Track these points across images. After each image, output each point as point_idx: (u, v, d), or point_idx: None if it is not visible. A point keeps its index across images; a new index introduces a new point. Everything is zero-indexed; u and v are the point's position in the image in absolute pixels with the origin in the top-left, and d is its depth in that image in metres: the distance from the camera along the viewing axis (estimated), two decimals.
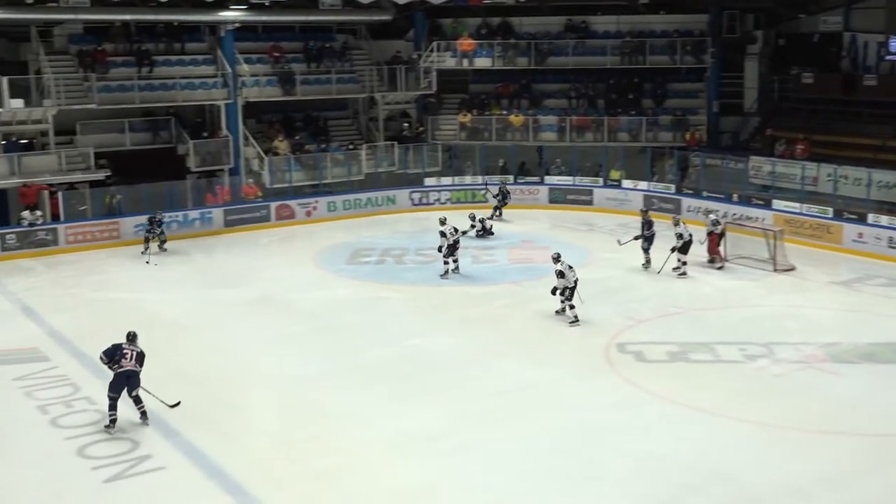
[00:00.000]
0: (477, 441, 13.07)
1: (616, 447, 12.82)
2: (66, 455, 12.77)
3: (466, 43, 33.58)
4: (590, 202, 30.77)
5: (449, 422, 13.74)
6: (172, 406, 14.19)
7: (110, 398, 13.46)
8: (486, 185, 30.94)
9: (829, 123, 29.70)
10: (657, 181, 30.14)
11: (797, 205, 26.14)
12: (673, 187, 29.59)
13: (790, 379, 15.44)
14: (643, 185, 30.01)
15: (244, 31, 31.01)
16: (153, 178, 27.28)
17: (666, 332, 17.93)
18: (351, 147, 31.74)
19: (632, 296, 20.47)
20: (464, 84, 35.14)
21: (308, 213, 29.37)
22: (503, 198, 29.67)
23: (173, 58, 29.92)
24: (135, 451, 12.80)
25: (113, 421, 13.47)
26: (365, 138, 33.12)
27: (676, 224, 21.96)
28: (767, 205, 26.71)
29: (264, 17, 31.08)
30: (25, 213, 25.01)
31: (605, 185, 30.82)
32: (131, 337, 14.01)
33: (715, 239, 22.83)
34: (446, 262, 22.05)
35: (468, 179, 31.97)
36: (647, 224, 22.66)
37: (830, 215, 25.31)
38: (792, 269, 22.60)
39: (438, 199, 31.33)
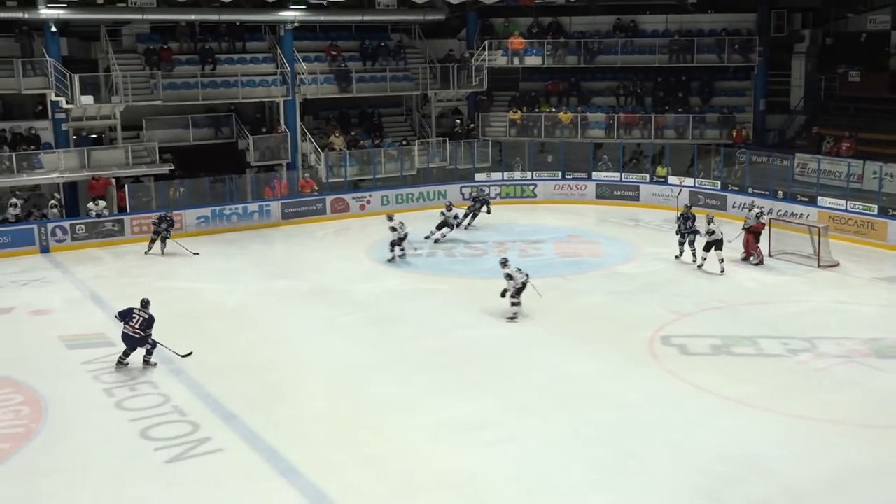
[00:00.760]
0: (522, 432, 13.05)
1: (659, 439, 12.70)
2: (130, 436, 13.00)
3: (517, 42, 33.46)
4: (636, 198, 30.49)
5: (494, 412, 13.72)
6: (184, 356, 15.50)
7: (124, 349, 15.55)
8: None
9: (876, 122, 29.11)
10: (703, 178, 29.75)
11: (842, 202, 25.64)
12: (718, 184, 29.21)
13: (832, 373, 15.18)
14: (689, 181, 29.66)
15: (303, 31, 31.22)
16: (215, 171, 27.65)
17: (709, 326, 17.72)
18: (404, 143, 31.82)
19: (676, 290, 20.27)
20: (514, 82, 35.03)
21: (362, 207, 29.51)
22: (480, 205, 27.30)
23: (235, 56, 30.26)
24: (194, 434, 12.99)
25: (121, 362, 15.56)
26: (417, 134, 33.18)
27: (710, 222, 21.56)
28: (812, 201, 26.24)
29: (322, 17, 31.22)
30: (91, 205, 25.47)
31: (652, 181, 30.52)
32: (144, 303, 15.74)
33: (751, 236, 22.39)
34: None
35: (517, 175, 31.86)
36: (689, 218, 22.37)
37: (875, 212, 24.79)
38: (836, 265, 22.20)
39: (488, 194, 31.19)
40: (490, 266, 22.56)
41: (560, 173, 31.51)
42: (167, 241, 24.10)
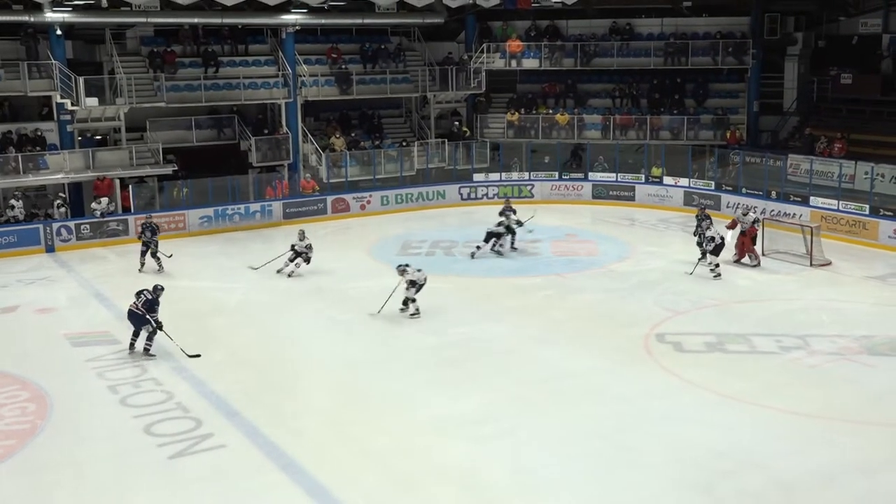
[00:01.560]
0: (519, 426, 13.07)
1: (654, 434, 12.73)
2: (134, 432, 13.00)
3: (515, 45, 33.49)
4: (632, 198, 30.50)
5: (493, 407, 13.75)
6: (192, 356, 15.59)
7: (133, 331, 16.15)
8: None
9: (867, 123, 29.18)
10: (697, 178, 29.78)
11: (834, 202, 25.66)
12: (713, 184, 29.23)
13: (824, 370, 15.20)
14: (683, 181, 29.68)
15: (304, 34, 31.25)
16: (217, 172, 27.64)
17: (703, 324, 17.74)
18: (403, 144, 31.84)
19: (670, 288, 20.28)
20: (512, 84, 35.06)
21: (362, 207, 29.52)
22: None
23: (237, 59, 30.28)
24: (197, 430, 13.00)
25: (133, 345, 16.12)
26: (417, 136, 33.20)
27: (708, 227, 21.41)
28: (805, 201, 26.26)
29: (323, 20, 31.25)
30: (94, 204, 25.45)
31: (647, 182, 30.53)
32: (155, 288, 16.32)
33: (747, 239, 22.31)
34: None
35: (515, 175, 31.88)
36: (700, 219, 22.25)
37: (867, 212, 24.81)
38: (828, 264, 22.21)
39: (486, 195, 31.28)
40: (488, 265, 22.66)
41: (557, 174, 31.53)
42: (156, 253, 22.07)
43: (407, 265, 18.43)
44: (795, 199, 26.62)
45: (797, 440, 12.51)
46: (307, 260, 21.53)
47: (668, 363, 15.54)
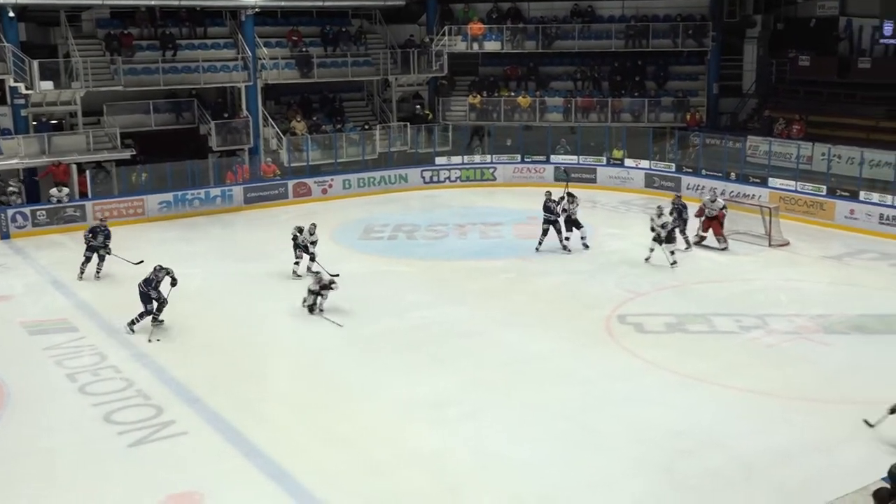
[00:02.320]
0: (483, 409, 13.12)
1: (615, 415, 12.84)
2: (94, 421, 12.86)
3: (476, 27, 33.37)
4: (593, 180, 30.64)
5: (456, 390, 13.78)
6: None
7: None
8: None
9: (825, 105, 29.50)
10: (658, 160, 29.98)
11: (792, 182, 25.99)
12: (673, 166, 29.44)
13: (782, 349, 15.41)
14: (644, 163, 29.87)
15: (263, 16, 30.87)
16: (176, 157, 27.32)
17: (664, 305, 17.91)
18: (365, 127, 31.68)
19: (632, 270, 20.41)
20: (474, 67, 34.97)
21: (324, 191, 29.35)
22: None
23: (196, 42, 29.85)
24: (159, 417, 12.89)
25: (156, 319, 16.52)
26: (379, 119, 33.04)
27: (660, 215, 20.76)
28: (763, 182, 26.56)
29: (283, 3, 30.93)
30: (54, 191, 25.05)
31: (609, 164, 30.67)
32: (159, 268, 16.72)
33: (716, 223, 22.33)
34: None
35: (477, 158, 31.87)
36: (680, 209, 22.25)
37: (824, 193, 25.17)
38: (786, 244, 22.50)
39: (448, 178, 31.25)
40: (451, 248, 22.68)
41: (519, 157, 31.57)
42: (105, 258, 19.97)
43: (318, 275, 17.77)
44: (754, 180, 26.91)
45: (756, 419, 12.68)
46: (310, 255, 20.02)
47: (630, 344, 15.67)
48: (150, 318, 16.43)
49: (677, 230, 21.48)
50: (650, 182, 29.27)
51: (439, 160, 31.54)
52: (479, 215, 26.23)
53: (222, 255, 22.00)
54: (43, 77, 25.50)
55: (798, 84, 30.90)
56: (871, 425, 11.97)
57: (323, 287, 17.46)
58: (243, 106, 29.84)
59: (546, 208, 21.84)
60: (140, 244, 22.63)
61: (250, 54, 29.47)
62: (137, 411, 13.11)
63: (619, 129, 31.26)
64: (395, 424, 12.69)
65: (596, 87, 33.43)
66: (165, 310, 16.52)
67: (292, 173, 29.45)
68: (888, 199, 23.77)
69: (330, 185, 29.50)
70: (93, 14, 28.67)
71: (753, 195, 25.75)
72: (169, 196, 26.50)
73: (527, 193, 29.51)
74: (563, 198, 22.25)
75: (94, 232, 20.00)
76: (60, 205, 24.90)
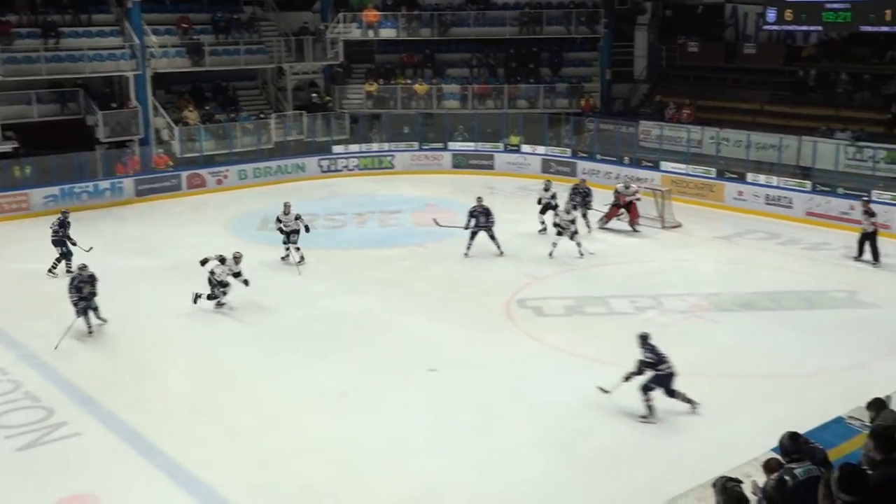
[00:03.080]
0: (386, 397, 13.16)
1: (515, 398, 13.04)
2: None
3: (371, 14, 33.23)
4: (491, 167, 30.93)
5: (359, 379, 13.79)
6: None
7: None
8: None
9: (713, 89, 30.45)
10: (554, 145, 30.45)
11: (683, 166, 26.78)
12: (569, 151, 29.95)
13: (676, 328, 15.88)
14: (541, 149, 30.29)
15: (151, 3, 30.08)
16: (62, 149, 26.37)
17: (563, 288, 18.25)
18: (261, 116, 31.23)
19: (530, 255, 20.73)
20: (370, 54, 34.85)
21: (219, 182, 28.85)
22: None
23: (80, 29, 28.81)
24: (49, 419, 12.49)
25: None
26: (274, 108, 32.60)
27: (567, 211, 20.58)
28: (656, 166, 27.27)
29: None
30: None
31: (506, 150, 30.99)
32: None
33: (634, 208, 22.80)
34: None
35: (375, 147, 31.79)
36: (585, 193, 22.62)
37: (713, 175, 26.02)
38: (678, 226, 23.19)
39: (346, 166, 31.12)
40: (350, 237, 22.60)
41: (417, 144, 31.62)
42: (70, 255, 19.47)
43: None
44: (647, 164, 27.63)
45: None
46: (306, 229, 19.89)
47: (530, 328, 15.92)
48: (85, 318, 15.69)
49: (580, 214, 21.87)
50: (547, 167, 29.74)
51: (337, 149, 31.35)
52: (377, 204, 26.21)
53: (114, 250, 21.38)
54: None
55: (687, 69, 31.81)
56: (605, 391, 12.51)
57: (235, 275, 17.11)
58: (132, 95, 29.01)
59: (472, 213, 20.51)
60: (23, 242, 21.85)
61: (138, 42, 28.67)
62: (26, 414, 12.68)
63: (516, 116, 31.64)
64: (298, 414, 12.61)
65: (492, 73, 33.72)
66: (58, 306, 15.99)
67: (185, 164, 28.84)
68: (773, 180, 24.73)
69: (225, 176, 29.03)
70: None
71: (647, 179, 26.42)
72: (55, 190, 25.68)
73: (425, 181, 29.67)
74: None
75: (62, 226, 19.69)
76: None
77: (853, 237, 20.99)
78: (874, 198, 21.80)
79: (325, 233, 23.21)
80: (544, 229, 22.28)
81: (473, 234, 20.53)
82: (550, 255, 20.37)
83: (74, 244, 19.59)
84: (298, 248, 20.02)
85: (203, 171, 28.67)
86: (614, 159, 28.32)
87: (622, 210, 22.89)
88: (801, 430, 7.69)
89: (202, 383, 13.84)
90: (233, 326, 16.28)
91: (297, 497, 10.60)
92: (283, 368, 14.26)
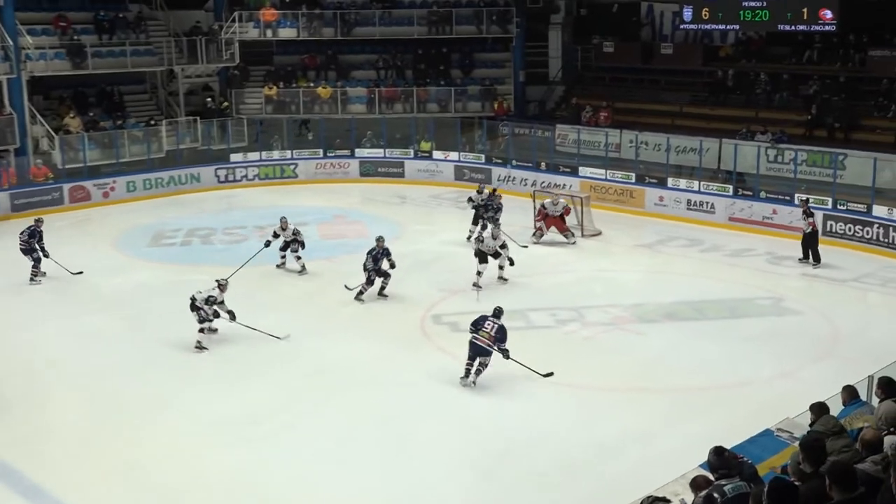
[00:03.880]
0: (296, 421, 13.05)
1: (434, 418, 13.05)
2: None
3: (269, 13, 32.96)
4: (401, 174, 30.96)
5: (266, 404, 13.59)
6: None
7: None
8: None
9: (630, 91, 31.09)
10: (467, 151, 30.65)
11: (602, 171, 27.23)
12: (483, 157, 30.18)
13: (599, 341, 16.14)
14: (454, 155, 30.46)
15: (25, 1, 29.25)
16: None
17: (479, 302, 18.27)
18: (151, 123, 30.63)
19: (445, 267, 20.80)
20: (268, 56, 34.58)
21: (105, 195, 28.17)
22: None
23: None
24: None
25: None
26: (165, 113, 32.03)
27: (494, 232, 19.91)
28: (574, 172, 27.66)
29: None
30: None
31: (416, 157, 31.06)
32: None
33: (559, 220, 22.79)
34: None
35: (276, 154, 31.51)
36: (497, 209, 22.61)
37: (633, 180, 26.52)
38: (599, 234, 23.56)
39: (246, 176, 30.75)
40: (251, 252, 22.24)
41: (321, 151, 31.46)
42: (41, 261, 19.86)
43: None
44: (565, 169, 28.00)
45: (577, 414, 13.20)
46: (301, 245, 20.32)
47: (446, 344, 15.93)
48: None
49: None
50: (460, 175, 29.92)
51: (235, 157, 30.95)
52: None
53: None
54: None
55: (603, 70, 32.43)
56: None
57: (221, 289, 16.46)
58: (6, 101, 28.13)
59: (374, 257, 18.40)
60: None
61: (11, 43, 27.79)
62: None
63: (426, 121, 31.75)
64: (198, 446, 12.35)
65: (400, 75, 33.79)
66: None
67: (67, 176, 28.09)
68: (694, 184, 25.36)
69: (112, 188, 28.37)
70: None
71: (564, 185, 26.77)
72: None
73: (331, 191, 29.52)
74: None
75: (31, 233, 20.03)
76: None
77: (776, 242, 21.69)
78: (796, 201, 22.51)
79: (223, 248, 22.90)
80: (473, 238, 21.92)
81: (372, 282, 18.63)
82: (475, 285, 19.05)
83: (46, 255, 19.96)
84: (300, 257, 20.37)
85: (87, 184, 27.96)
86: (530, 165, 28.61)
87: (552, 226, 22.97)
88: (730, 444, 7.90)
89: (92, 415, 13.42)
90: (125, 352, 15.84)
91: None
92: (184, 396, 13.97)
